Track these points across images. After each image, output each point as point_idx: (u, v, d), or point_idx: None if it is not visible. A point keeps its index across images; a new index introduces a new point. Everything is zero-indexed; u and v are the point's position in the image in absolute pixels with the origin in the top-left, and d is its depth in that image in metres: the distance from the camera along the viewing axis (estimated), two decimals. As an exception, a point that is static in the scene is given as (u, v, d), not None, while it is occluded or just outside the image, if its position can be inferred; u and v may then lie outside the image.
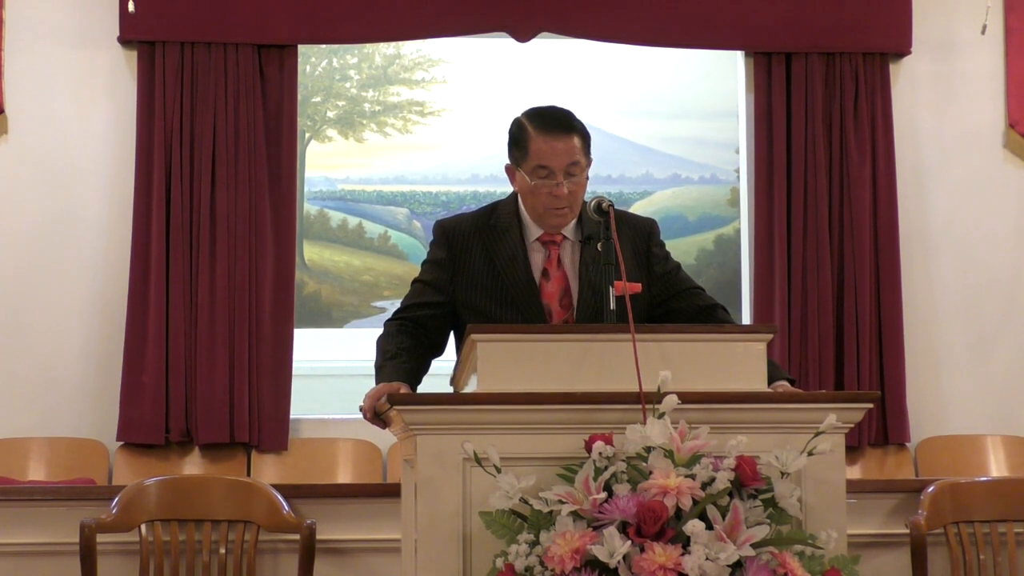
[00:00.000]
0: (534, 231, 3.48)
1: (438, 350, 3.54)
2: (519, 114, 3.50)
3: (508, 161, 3.49)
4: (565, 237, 3.49)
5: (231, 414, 5.82)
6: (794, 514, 2.75)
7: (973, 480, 4.47)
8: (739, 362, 2.94)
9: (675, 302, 3.53)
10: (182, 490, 4.14)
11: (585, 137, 3.43)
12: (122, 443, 5.84)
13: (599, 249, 3.28)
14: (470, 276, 3.48)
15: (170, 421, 5.81)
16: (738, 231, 6.37)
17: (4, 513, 4.10)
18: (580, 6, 6.09)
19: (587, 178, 3.46)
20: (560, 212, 3.43)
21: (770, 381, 3.04)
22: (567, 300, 3.44)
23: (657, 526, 2.59)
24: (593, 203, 3.30)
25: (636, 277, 3.34)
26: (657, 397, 2.74)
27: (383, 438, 5.52)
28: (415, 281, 3.57)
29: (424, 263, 3.58)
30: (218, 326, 5.84)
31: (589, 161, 3.46)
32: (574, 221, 3.49)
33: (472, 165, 6.37)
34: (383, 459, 5.91)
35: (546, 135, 3.39)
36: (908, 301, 6.16)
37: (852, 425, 2.89)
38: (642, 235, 3.55)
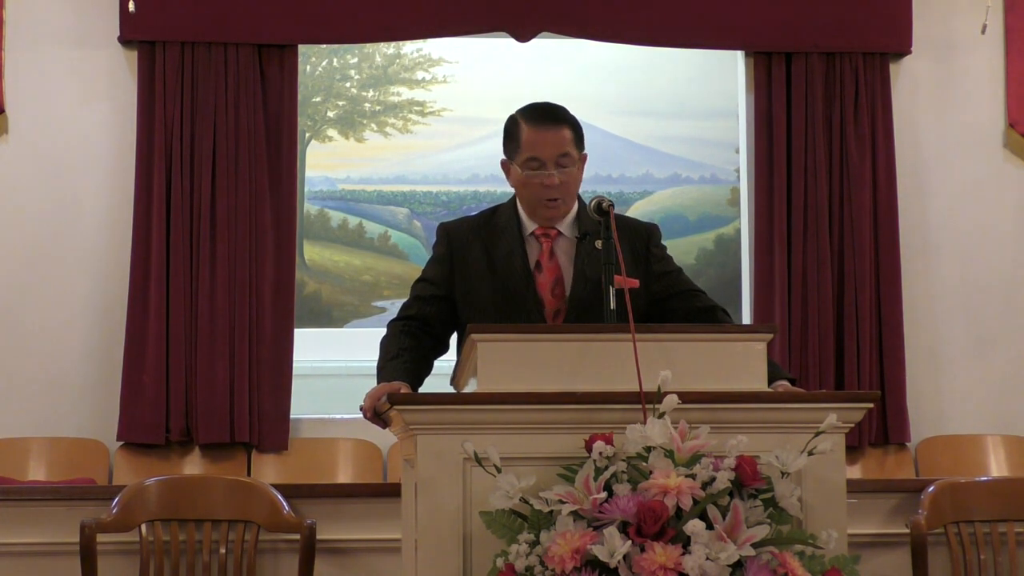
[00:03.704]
0: (530, 226, 3.55)
1: (442, 346, 3.60)
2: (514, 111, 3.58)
3: (503, 157, 3.56)
4: (560, 232, 3.55)
5: (231, 414, 5.82)
6: (794, 514, 2.75)
7: (973, 480, 4.47)
8: (739, 362, 2.94)
9: (675, 302, 3.56)
10: (182, 490, 4.14)
11: (577, 130, 3.52)
12: (122, 443, 5.84)
13: (596, 247, 3.33)
14: (469, 271, 3.54)
15: (170, 421, 5.80)
16: (738, 231, 6.37)
17: (4, 513, 4.10)
18: (580, 6, 6.09)
19: (580, 171, 3.53)
20: (552, 204, 3.50)
21: (770, 381, 3.05)
22: (559, 290, 3.49)
23: (657, 526, 2.59)
24: (593, 203, 3.36)
25: (633, 275, 3.36)
26: (657, 397, 2.74)
27: (383, 438, 5.52)
28: (417, 281, 3.65)
29: (428, 261, 3.67)
30: (218, 326, 5.83)
31: (582, 156, 3.53)
32: (571, 217, 3.56)
33: (472, 165, 6.37)
34: (383, 459, 5.91)
35: (536, 126, 3.49)
36: (908, 301, 6.15)
37: (852, 425, 2.89)
38: (641, 236, 3.60)
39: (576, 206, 3.58)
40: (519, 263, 3.52)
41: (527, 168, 3.48)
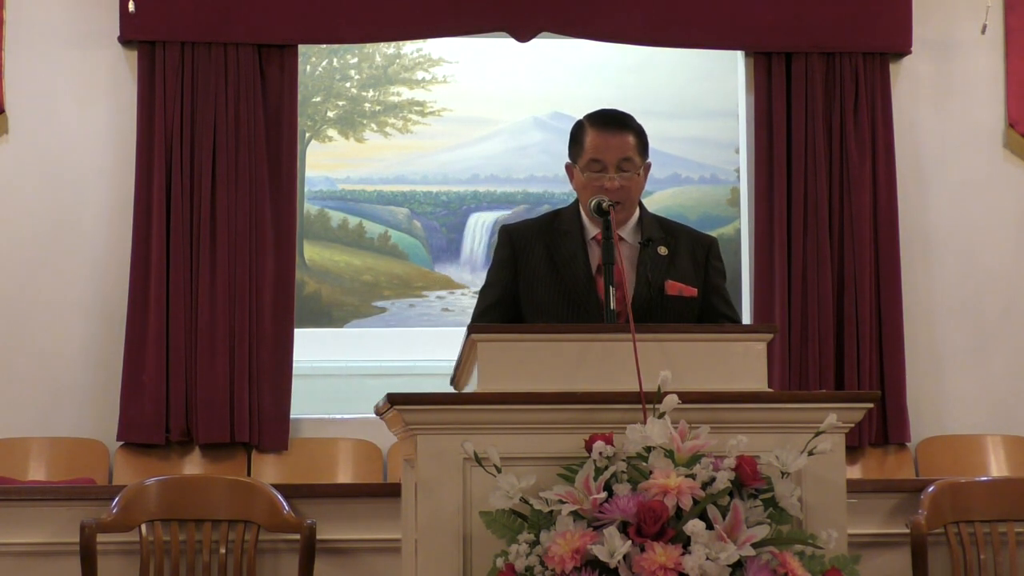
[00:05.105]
0: (592, 230, 3.60)
1: None
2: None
3: (568, 160, 3.64)
4: (622, 238, 3.58)
5: (231, 414, 5.82)
6: (794, 514, 2.75)
7: (973, 480, 4.46)
8: (739, 362, 2.95)
9: (704, 318, 3.63)
10: (182, 490, 4.14)
11: (641, 138, 3.60)
12: (122, 443, 5.84)
13: (659, 253, 3.51)
14: (532, 272, 3.60)
15: (170, 421, 5.80)
16: (738, 231, 6.37)
17: (4, 513, 4.10)
18: (580, 6, 6.09)
19: (643, 179, 3.60)
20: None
21: None
22: (620, 293, 3.50)
23: (657, 526, 2.59)
24: (593, 204, 3.41)
25: (693, 283, 3.55)
26: (657, 397, 2.74)
27: (383, 438, 5.52)
28: (484, 286, 3.71)
29: (489, 267, 3.73)
30: (218, 326, 5.83)
31: (646, 164, 3.60)
32: (633, 223, 3.62)
33: (472, 165, 6.37)
34: (383, 459, 5.91)
35: (601, 130, 3.57)
36: (908, 301, 6.15)
37: (852, 425, 2.89)
38: (702, 246, 3.68)
39: (638, 212, 3.64)
40: (581, 266, 3.57)
41: (588, 170, 3.54)
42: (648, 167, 3.63)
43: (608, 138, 3.55)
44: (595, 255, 3.57)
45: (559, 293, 3.56)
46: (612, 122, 3.60)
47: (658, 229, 3.61)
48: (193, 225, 5.88)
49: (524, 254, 3.62)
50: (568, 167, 3.65)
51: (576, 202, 3.68)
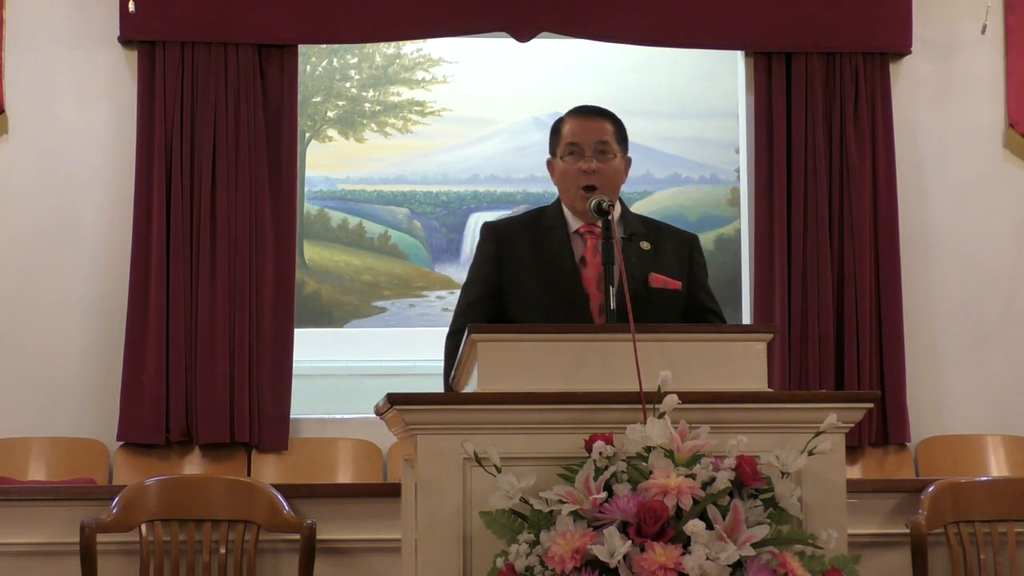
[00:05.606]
0: (574, 224, 3.67)
1: None
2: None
3: (548, 156, 3.72)
4: None
5: (231, 414, 5.82)
6: (794, 514, 2.74)
7: (973, 480, 4.46)
8: (739, 362, 2.95)
9: (691, 317, 3.67)
10: (182, 490, 4.14)
11: (619, 127, 3.69)
12: (122, 443, 5.84)
13: (642, 247, 3.57)
14: (517, 267, 3.65)
15: (170, 421, 5.80)
16: (738, 231, 6.37)
17: (4, 513, 4.10)
18: (580, 6, 6.09)
19: (623, 171, 3.68)
20: (589, 193, 3.58)
21: None
22: (603, 284, 3.51)
23: (657, 526, 2.59)
24: (593, 204, 3.43)
25: (678, 278, 3.61)
26: (657, 397, 2.74)
27: (383, 438, 5.52)
28: (466, 283, 3.76)
29: (472, 263, 3.77)
30: (218, 326, 5.83)
31: (625, 156, 3.69)
32: (616, 218, 3.62)
33: (472, 165, 6.37)
34: (383, 459, 5.91)
35: (578, 116, 3.69)
36: (908, 301, 6.16)
37: (852, 425, 2.89)
38: (685, 243, 3.76)
39: (620, 208, 3.67)
40: (567, 259, 3.62)
41: (566, 154, 3.62)
42: (629, 162, 3.70)
43: (585, 123, 3.65)
44: (579, 248, 3.63)
45: (545, 287, 3.60)
46: (589, 110, 3.70)
47: (640, 225, 3.69)
48: (193, 225, 5.88)
49: (509, 249, 3.67)
50: (549, 162, 3.72)
51: (558, 200, 3.73)
